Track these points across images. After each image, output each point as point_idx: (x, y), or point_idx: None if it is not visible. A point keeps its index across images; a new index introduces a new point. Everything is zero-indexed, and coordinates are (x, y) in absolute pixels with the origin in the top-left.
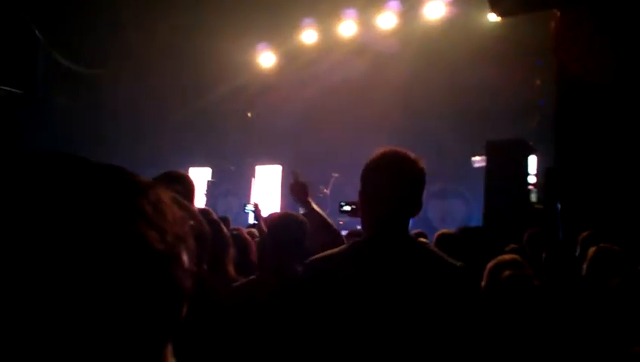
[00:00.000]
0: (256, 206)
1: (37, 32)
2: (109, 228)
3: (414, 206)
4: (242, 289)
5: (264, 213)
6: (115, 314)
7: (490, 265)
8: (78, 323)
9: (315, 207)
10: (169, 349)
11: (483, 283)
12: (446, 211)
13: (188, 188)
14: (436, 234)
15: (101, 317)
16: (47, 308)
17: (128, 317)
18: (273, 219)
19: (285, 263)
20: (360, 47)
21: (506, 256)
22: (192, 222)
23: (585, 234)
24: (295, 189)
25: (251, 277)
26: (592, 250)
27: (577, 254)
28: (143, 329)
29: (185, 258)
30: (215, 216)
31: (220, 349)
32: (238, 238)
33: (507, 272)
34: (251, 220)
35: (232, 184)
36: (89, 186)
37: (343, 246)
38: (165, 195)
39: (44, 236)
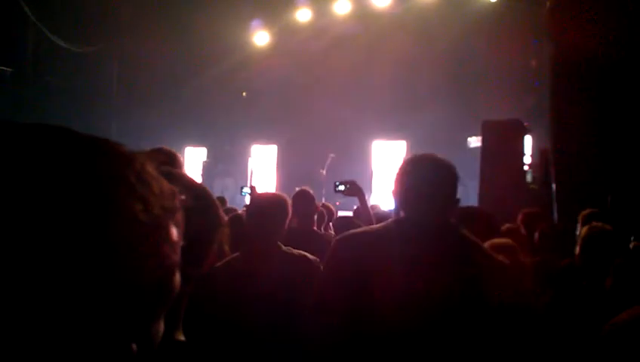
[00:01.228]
0: (252, 188)
1: (26, 8)
2: (90, 196)
3: (453, 201)
4: (223, 267)
5: None
6: (98, 284)
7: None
8: (62, 294)
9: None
10: (171, 325)
11: None
12: None
13: (175, 165)
14: None
15: (84, 288)
16: (29, 280)
17: (112, 287)
18: (256, 199)
19: (265, 242)
20: (355, 26)
21: (499, 241)
22: (182, 196)
23: (586, 212)
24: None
25: (235, 254)
26: (584, 229)
27: (578, 233)
28: (128, 299)
29: (172, 231)
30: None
31: (196, 327)
32: (233, 218)
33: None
34: (248, 202)
35: (227, 164)
36: (71, 155)
37: (381, 225)
38: (151, 167)
39: (24, 205)
